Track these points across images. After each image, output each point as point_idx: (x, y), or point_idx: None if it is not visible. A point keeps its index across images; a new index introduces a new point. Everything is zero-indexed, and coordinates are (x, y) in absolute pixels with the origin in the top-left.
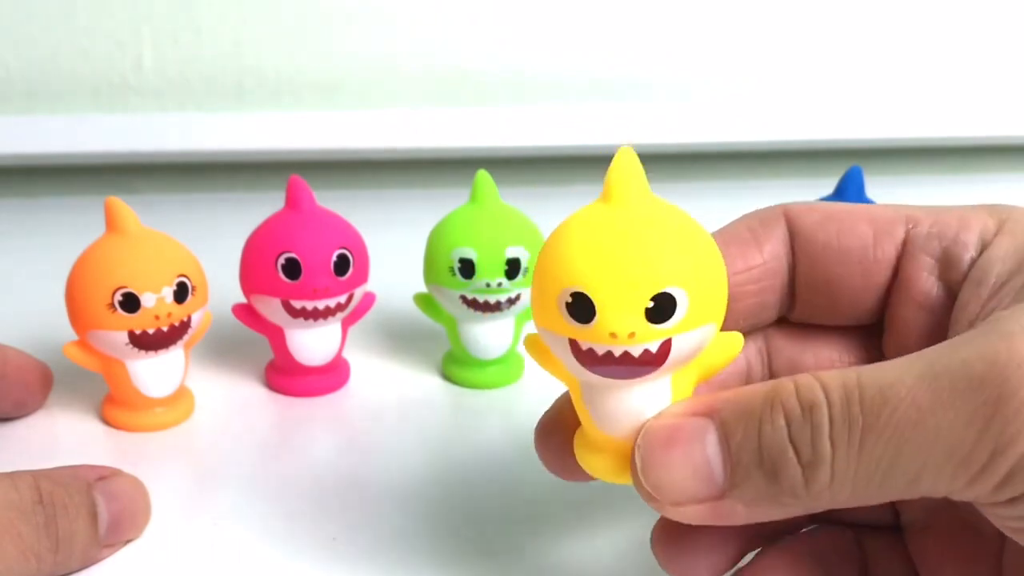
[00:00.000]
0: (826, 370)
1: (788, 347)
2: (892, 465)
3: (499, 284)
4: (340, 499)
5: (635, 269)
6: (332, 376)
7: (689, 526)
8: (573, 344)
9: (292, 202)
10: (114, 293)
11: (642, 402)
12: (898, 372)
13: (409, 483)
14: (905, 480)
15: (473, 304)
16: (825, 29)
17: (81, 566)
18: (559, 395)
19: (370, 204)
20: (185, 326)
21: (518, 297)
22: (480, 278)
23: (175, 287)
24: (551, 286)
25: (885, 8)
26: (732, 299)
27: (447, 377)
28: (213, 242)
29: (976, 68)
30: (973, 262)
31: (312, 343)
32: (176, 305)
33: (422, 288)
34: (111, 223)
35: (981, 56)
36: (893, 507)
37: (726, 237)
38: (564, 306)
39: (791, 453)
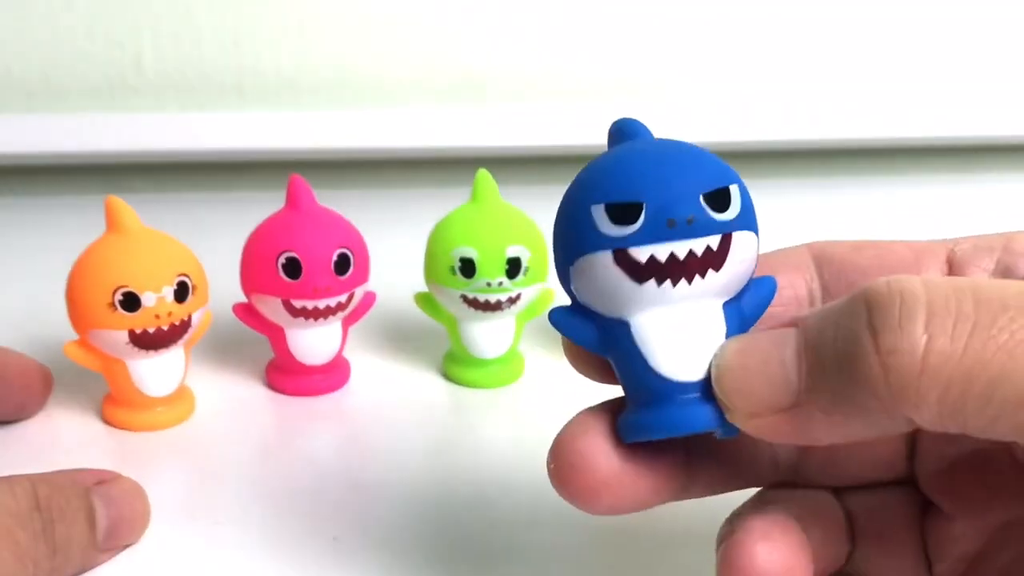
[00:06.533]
0: None
1: None
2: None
3: (500, 283)
4: (341, 498)
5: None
6: (333, 375)
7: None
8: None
9: (292, 201)
10: (114, 292)
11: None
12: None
13: (409, 482)
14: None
15: (474, 303)
16: (825, 29)
17: (79, 571)
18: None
19: (370, 204)
20: (185, 325)
21: (518, 296)
22: (481, 277)
23: (175, 286)
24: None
25: (885, 8)
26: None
27: (447, 376)
28: (213, 241)
29: (976, 68)
30: None
31: (313, 342)
32: (176, 304)
33: (423, 287)
34: (111, 222)
35: (981, 56)
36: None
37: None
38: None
39: (867, 337)
